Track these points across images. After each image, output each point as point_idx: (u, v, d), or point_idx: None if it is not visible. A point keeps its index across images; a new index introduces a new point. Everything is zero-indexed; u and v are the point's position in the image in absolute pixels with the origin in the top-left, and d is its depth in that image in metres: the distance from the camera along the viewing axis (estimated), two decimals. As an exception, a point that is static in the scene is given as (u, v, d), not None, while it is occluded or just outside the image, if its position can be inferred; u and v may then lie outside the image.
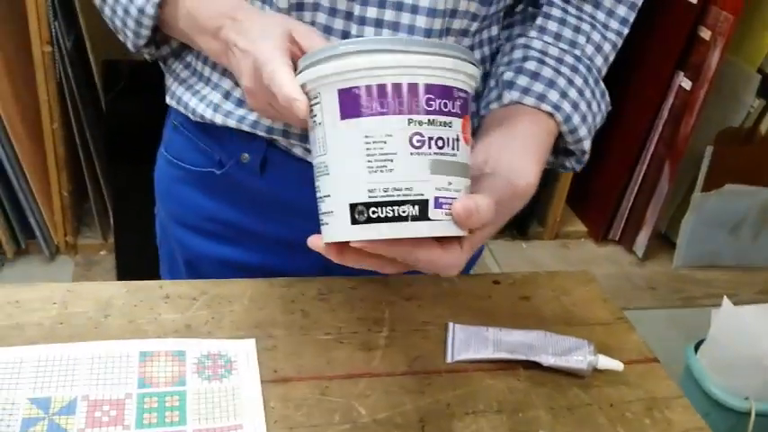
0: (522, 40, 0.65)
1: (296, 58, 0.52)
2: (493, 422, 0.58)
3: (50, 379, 0.55)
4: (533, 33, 0.65)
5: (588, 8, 0.67)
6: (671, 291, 2.20)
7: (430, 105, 0.47)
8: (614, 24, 0.67)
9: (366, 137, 0.46)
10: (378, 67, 0.46)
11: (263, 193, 0.71)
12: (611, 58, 0.68)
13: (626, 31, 0.68)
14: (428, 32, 0.60)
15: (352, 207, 0.47)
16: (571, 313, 0.71)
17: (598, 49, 0.66)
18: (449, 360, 0.63)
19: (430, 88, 0.46)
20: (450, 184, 0.48)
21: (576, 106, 0.61)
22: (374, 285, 0.70)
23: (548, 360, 0.62)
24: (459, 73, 0.48)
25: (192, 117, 0.69)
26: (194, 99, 0.68)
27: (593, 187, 2.30)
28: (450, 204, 0.47)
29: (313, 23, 0.61)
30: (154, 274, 0.86)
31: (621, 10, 0.67)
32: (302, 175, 0.64)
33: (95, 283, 0.65)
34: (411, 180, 0.46)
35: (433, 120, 0.47)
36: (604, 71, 0.68)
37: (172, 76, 0.71)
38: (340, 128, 0.47)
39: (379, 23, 0.60)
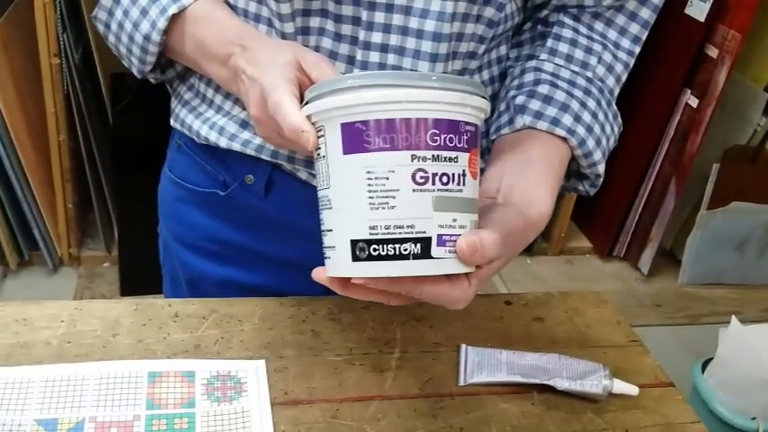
0: (532, 63, 0.64)
1: (304, 87, 0.51)
2: (506, 447, 0.57)
3: (58, 400, 0.54)
4: (544, 56, 0.64)
5: (599, 27, 0.66)
6: (676, 308, 2.19)
7: (434, 141, 0.45)
8: (626, 43, 0.66)
9: (368, 172, 0.45)
10: (380, 102, 0.45)
11: (267, 215, 0.70)
12: (624, 78, 0.67)
13: (637, 49, 0.67)
14: (434, 57, 0.59)
15: (353, 243, 0.46)
16: (584, 335, 0.70)
17: (609, 69, 0.65)
18: (461, 383, 0.62)
19: (435, 123, 0.45)
20: (454, 220, 0.47)
21: (590, 130, 0.61)
22: (385, 305, 0.69)
23: (562, 384, 0.61)
24: (467, 107, 0.46)
25: (196, 139, 0.68)
26: (198, 121, 0.68)
27: (599, 203, 2.28)
28: (455, 241, 0.46)
29: (318, 49, 0.61)
30: (157, 287, 0.86)
31: (634, 28, 0.66)
32: (306, 198, 0.64)
33: (103, 301, 0.64)
34: (413, 217, 0.45)
35: (438, 155, 0.46)
36: (616, 92, 0.67)
37: (176, 98, 0.71)
38: (343, 162, 0.46)
39: (384, 48, 0.60)
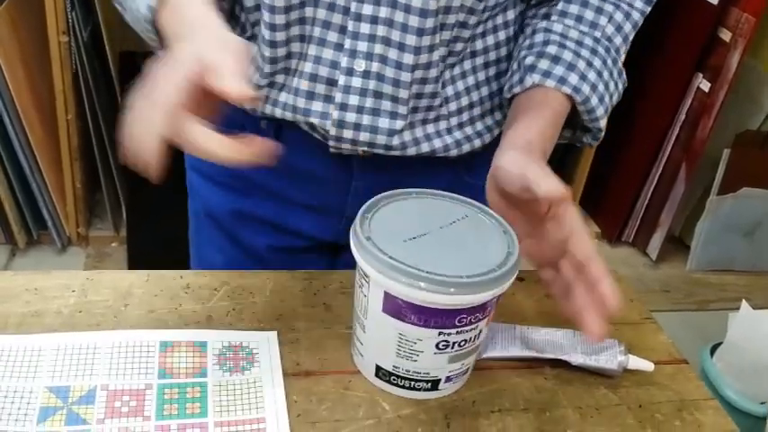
0: (543, 24, 0.67)
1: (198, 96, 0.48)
2: (519, 420, 0.56)
3: (69, 368, 0.54)
4: (554, 17, 0.67)
5: None
6: (684, 294, 2.18)
7: (461, 321, 0.52)
8: (639, 4, 0.69)
9: (400, 335, 0.53)
10: (419, 297, 0.51)
11: (282, 159, 0.71)
12: (631, 37, 0.70)
13: (649, 9, 0.70)
14: (420, 31, 0.62)
15: (378, 367, 0.56)
16: (597, 312, 0.69)
17: (618, 29, 0.68)
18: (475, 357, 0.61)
19: (465, 309, 0.52)
20: (462, 365, 0.56)
21: (594, 88, 0.65)
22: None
23: (577, 359, 0.60)
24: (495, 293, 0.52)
25: None
26: None
27: (608, 188, 2.28)
28: (460, 375, 0.57)
29: (314, 19, 0.63)
30: (165, 267, 0.85)
31: None
32: (311, 146, 0.70)
33: (115, 272, 0.64)
34: (430, 368, 0.55)
35: (461, 330, 0.53)
36: (623, 50, 0.69)
37: None
38: (380, 315, 0.53)
39: (374, 20, 0.62)
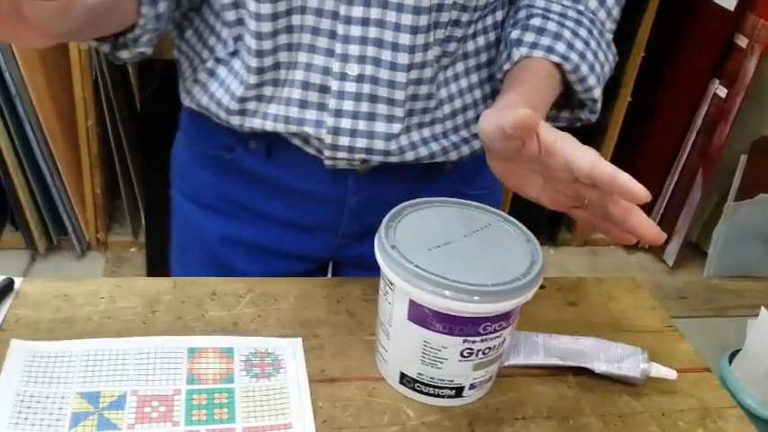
0: (524, 2, 0.68)
1: None
2: (543, 428, 0.57)
3: (100, 373, 0.55)
4: (538, 1, 0.68)
5: None
6: (702, 300, 2.17)
7: (485, 329, 0.53)
8: None
9: (425, 342, 0.54)
10: (445, 305, 0.51)
11: (269, 177, 0.72)
12: (615, 14, 0.70)
13: None
14: (414, 29, 0.61)
15: (402, 374, 0.57)
16: (619, 320, 0.69)
17: (601, 3, 0.68)
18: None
19: (489, 318, 0.52)
20: (486, 372, 0.57)
21: (582, 56, 0.64)
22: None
23: (600, 367, 0.60)
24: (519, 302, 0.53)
25: (197, 108, 0.71)
26: (202, 93, 0.69)
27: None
28: (483, 383, 0.57)
29: (302, 26, 0.62)
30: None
31: None
32: (303, 163, 0.69)
33: (142, 279, 0.65)
34: (455, 375, 0.55)
35: (486, 338, 0.54)
36: (608, 25, 0.69)
37: (182, 72, 0.74)
38: (405, 324, 0.54)
39: (365, 22, 0.61)
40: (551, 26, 0.64)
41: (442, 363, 0.54)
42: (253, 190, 0.74)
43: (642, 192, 0.46)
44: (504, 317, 0.53)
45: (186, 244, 0.82)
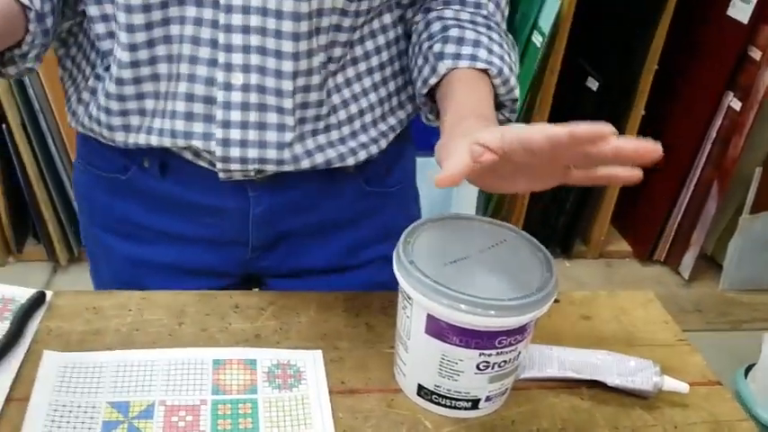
0: (433, 14, 0.69)
1: None
2: (557, 440, 0.58)
3: (129, 384, 0.57)
4: (440, 6, 0.69)
5: None
6: (717, 313, 2.16)
7: (501, 343, 0.55)
8: None
9: (443, 355, 0.55)
10: (462, 320, 0.53)
11: (168, 195, 0.71)
12: (506, 13, 0.72)
13: None
14: (296, 36, 0.61)
15: (420, 386, 0.58)
16: (632, 334, 0.71)
17: (497, 5, 0.70)
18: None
19: (505, 331, 0.54)
20: (501, 385, 0.58)
21: (502, 59, 0.65)
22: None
23: (613, 380, 0.62)
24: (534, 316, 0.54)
25: (80, 129, 0.70)
26: (85, 114, 0.68)
27: (639, 206, 2.27)
28: (500, 396, 0.59)
29: (181, 37, 0.61)
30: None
31: None
32: (200, 177, 0.68)
33: (168, 292, 0.68)
34: (471, 388, 0.57)
35: (502, 351, 0.55)
36: (504, 26, 0.71)
37: (67, 92, 0.72)
38: (423, 337, 0.56)
39: (246, 30, 0.60)
40: (468, 34, 0.66)
41: (458, 375, 0.56)
42: (153, 210, 0.72)
43: (605, 127, 0.46)
44: (520, 331, 0.55)
45: (97, 265, 0.81)
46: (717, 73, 2.03)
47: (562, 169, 0.51)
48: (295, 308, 0.68)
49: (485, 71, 0.64)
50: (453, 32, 0.66)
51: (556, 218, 2.18)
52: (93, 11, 0.61)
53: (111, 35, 0.62)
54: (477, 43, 0.65)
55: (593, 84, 2.02)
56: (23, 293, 0.64)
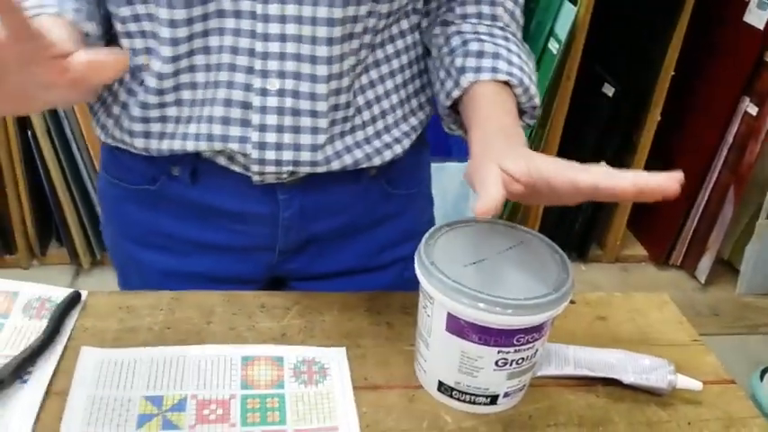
0: (452, 29, 0.71)
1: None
2: (574, 435, 0.60)
3: (162, 378, 0.60)
4: (458, 20, 0.72)
5: None
6: (734, 318, 2.16)
7: (519, 341, 0.57)
8: None
9: (462, 352, 0.58)
10: (480, 318, 0.55)
11: (198, 202, 0.73)
12: (522, 22, 0.75)
13: None
14: (330, 41, 0.63)
15: (441, 383, 0.61)
16: (647, 334, 0.72)
17: (512, 15, 0.73)
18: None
19: (523, 330, 0.56)
20: (519, 381, 0.60)
21: (521, 69, 0.68)
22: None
23: (628, 378, 0.64)
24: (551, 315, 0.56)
25: (111, 142, 0.71)
26: (110, 120, 0.70)
27: (655, 210, 2.28)
28: (517, 392, 0.61)
29: (220, 47, 0.63)
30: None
31: None
32: (231, 182, 0.70)
33: (198, 292, 0.70)
34: (490, 384, 0.59)
35: (519, 348, 0.57)
36: (520, 35, 0.74)
37: (95, 104, 0.73)
38: (443, 335, 0.58)
39: (283, 38, 0.63)
40: (488, 47, 0.68)
41: (477, 372, 0.58)
42: (183, 219, 0.74)
43: (625, 184, 0.51)
44: (537, 329, 0.57)
45: (127, 278, 0.83)
46: (733, 78, 2.03)
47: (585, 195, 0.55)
48: (319, 308, 0.70)
49: (506, 82, 0.66)
50: (473, 46, 0.68)
51: (572, 222, 2.19)
52: (132, 27, 0.64)
53: (148, 51, 0.64)
54: (496, 56, 0.67)
55: (609, 90, 2.03)
56: (60, 293, 0.67)
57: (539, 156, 0.57)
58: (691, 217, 2.22)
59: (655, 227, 2.31)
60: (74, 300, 0.66)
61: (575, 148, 2.05)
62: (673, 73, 2.00)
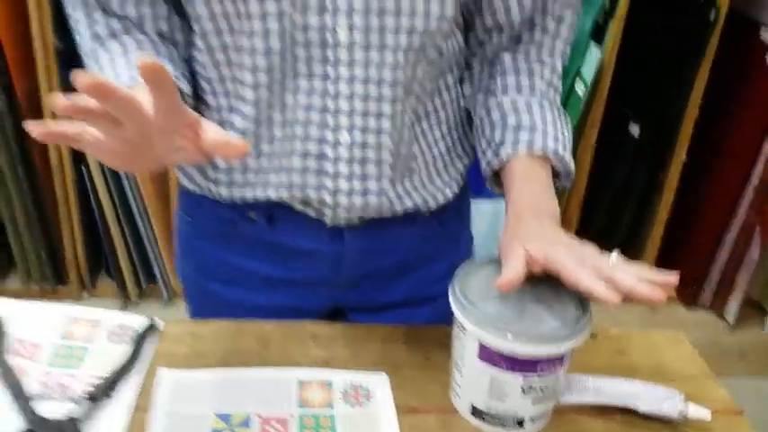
0: (493, 101, 0.79)
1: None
2: (593, 457, 0.67)
3: (229, 398, 0.68)
4: (499, 92, 0.79)
5: (533, 52, 0.79)
6: (762, 359, 2.17)
7: (542, 369, 0.64)
8: (557, 59, 0.80)
9: (492, 378, 0.65)
10: (509, 348, 0.62)
11: (272, 242, 0.81)
12: (558, 85, 0.81)
13: (562, 61, 0.81)
14: (393, 99, 0.71)
15: (473, 406, 0.68)
16: (663, 369, 0.79)
17: (549, 83, 0.80)
18: (553, 402, 0.72)
19: (546, 359, 0.63)
20: (544, 407, 0.67)
21: (556, 139, 0.75)
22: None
23: (643, 407, 0.70)
24: (570, 346, 0.64)
25: (197, 191, 0.79)
26: (196, 170, 0.78)
27: (683, 251, 2.31)
28: (541, 418, 0.68)
29: (295, 105, 0.71)
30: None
31: (558, 45, 0.80)
32: (304, 225, 0.78)
33: (257, 322, 0.79)
34: (517, 408, 0.66)
35: (543, 376, 0.64)
36: (557, 97, 0.81)
37: None
38: (475, 361, 0.65)
39: (351, 96, 0.70)
40: (525, 120, 0.75)
41: (506, 397, 0.65)
42: (254, 257, 0.82)
43: (613, 298, 0.60)
44: (558, 359, 0.64)
45: (196, 306, 0.91)
46: (757, 118, 2.06)
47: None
48: (364, 338, 0.78)
49: (543, 153, 0.74)
50: (511, 120, 0.76)
51: None
52: (218, 88, 0.73)
53: (231, 108, 0.73)
54: (533, 129, 0.75)
55: (634, 130, 2.08)
56: (139, 321, 0.76)
57: (561, 242, 0.66)
58: (718, 258, 2.24)
59: (683, 267, 2.31)
60: (151, 327, 0.75)
61: (602, 187, 2.10)
62: (697, 114, 2.03)
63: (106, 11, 0.71)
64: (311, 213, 0.77)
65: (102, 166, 1.91)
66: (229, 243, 0.83)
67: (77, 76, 0.45)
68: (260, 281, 0.84)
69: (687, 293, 2.32)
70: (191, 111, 0.54)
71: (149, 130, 0.51)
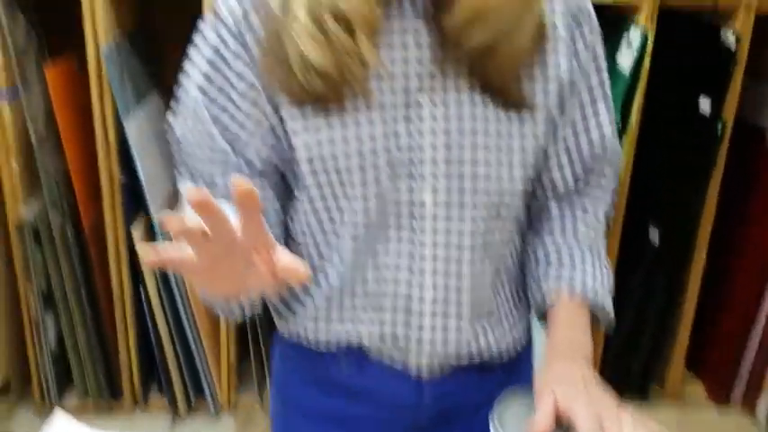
0: (541, 253, 0.84)
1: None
2: None
3: None
4: (547, 238, 0.85)
5: (578, 202, 0.85)
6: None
7: None
8: (601, 209, 0.86)
9: None
10: None
11: (358, 387, 0.86)
12: (604, 230, 0.87)
13: (605, 210, 0.87)
14: (472, 262, 0.77)
15: None
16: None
17: (595, 230, 0.85)
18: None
19: None
20: None
21: (595, 290, 0.80)
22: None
23: None
24: None
25: (294, 339, 0.85)
26: (291, 318, 0.84)
27: (712, 349, 2.30)
28: None
29: (386, 265, 0.77)
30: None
31: (604, 196, 0.86)
32: (389, 374, 0.83)
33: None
34: None
35: None
36: (601, 242, 0.87)
37: (272, 308, 0.87)
38: None
39: (434, 258, 0.76)
40: (565, 273, 0.81)
41: None
42: (339, 397, 0.86)
43: None
44: None
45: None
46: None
47: None
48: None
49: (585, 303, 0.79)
50: (552, 272, 0.82)
51: (631, 360, 2.20)
52: (313, 255, 0.80)
53: (322, 269, 0.80)
54: (572, 280, 0.80)
55: (654, 236, 2.09)
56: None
57: (588, 392, 0.70)
58: (746, 355, 2.23)
59: (713, 366, 2.31)
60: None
61: (623, 295, 2.11)
62: (714, 214, 2.04)
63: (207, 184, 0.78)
64: (397, 364, 0.82)
65: (158, 287, 2.02)
66: (322, 387, 0.87)
67: (189, 192, 0.49)
68: (340, 417, 0.88)
69: (719, 391, 2.30)
70: (270, 234, 0.57)
71: (234, 247, 0.54)
